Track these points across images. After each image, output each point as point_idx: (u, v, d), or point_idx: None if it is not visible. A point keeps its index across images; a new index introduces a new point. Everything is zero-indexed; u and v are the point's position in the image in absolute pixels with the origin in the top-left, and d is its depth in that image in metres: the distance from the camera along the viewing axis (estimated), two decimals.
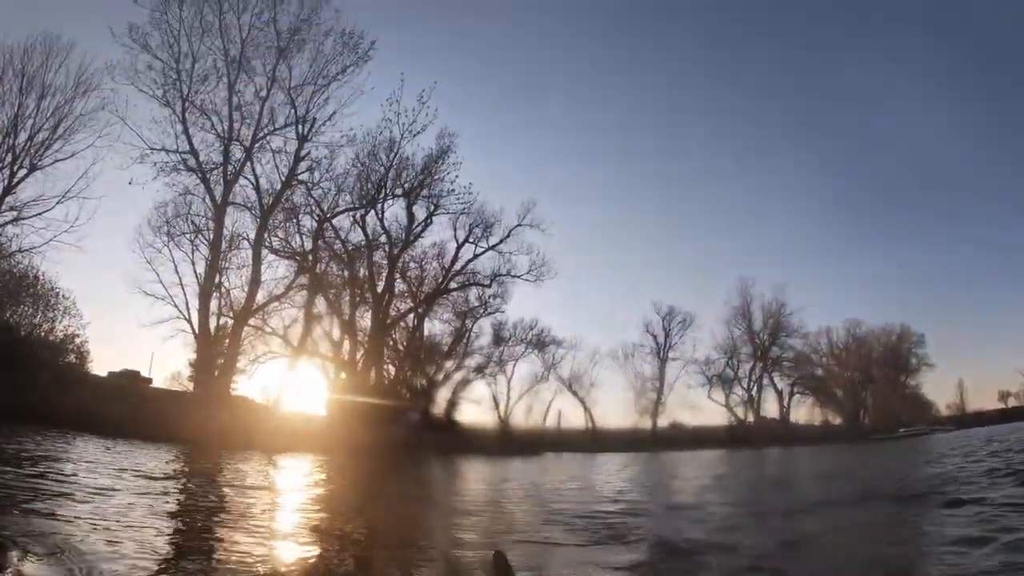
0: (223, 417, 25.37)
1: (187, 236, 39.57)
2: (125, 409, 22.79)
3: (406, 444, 31.20)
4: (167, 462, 14.50)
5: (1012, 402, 65.17)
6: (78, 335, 30.82)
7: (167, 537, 5.93)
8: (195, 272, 41.67)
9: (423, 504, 11.89)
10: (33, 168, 28.35)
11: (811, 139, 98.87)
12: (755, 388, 61.15)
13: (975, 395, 68.55)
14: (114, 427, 20.18)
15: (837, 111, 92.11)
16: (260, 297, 34.50)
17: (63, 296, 30.30)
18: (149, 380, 44.00)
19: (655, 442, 57.62)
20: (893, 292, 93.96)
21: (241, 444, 23.19)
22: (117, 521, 6.36)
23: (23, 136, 28.32)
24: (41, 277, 29.52)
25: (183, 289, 41.66)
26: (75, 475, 9.84)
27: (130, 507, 7.38)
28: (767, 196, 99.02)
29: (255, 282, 33.09)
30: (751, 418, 60.05)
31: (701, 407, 62.78)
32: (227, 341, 33.40)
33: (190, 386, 43.92)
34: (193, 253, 40.68)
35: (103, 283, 77.17)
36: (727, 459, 27.88)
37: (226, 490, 11.49)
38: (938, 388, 79.67)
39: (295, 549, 6.39)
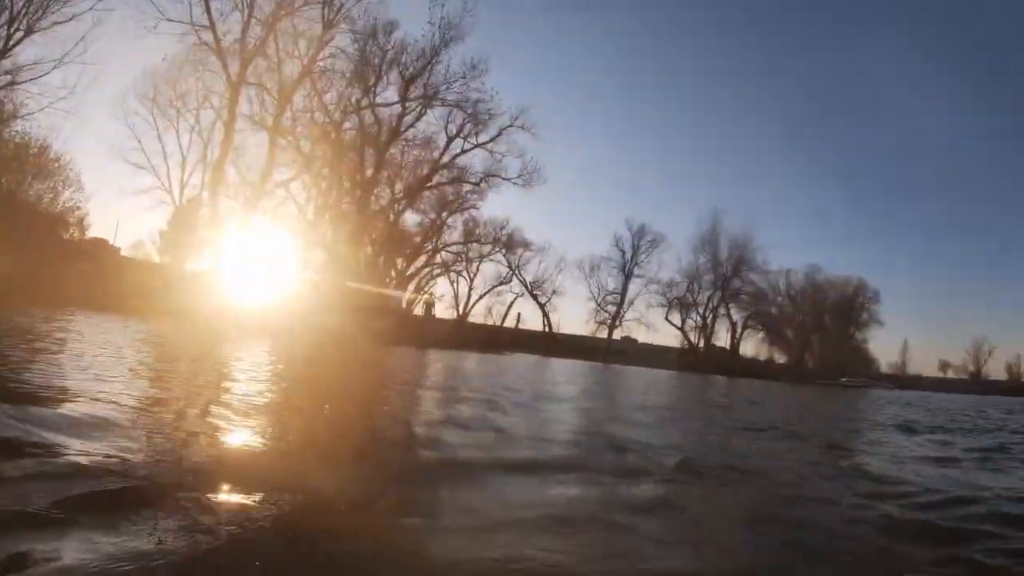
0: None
1: (176, 108, 37.01)
2: (128, 287, 22.53)
3: (388, 335, 32.01)
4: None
5: (951, 373, 70.45)
6: (79, 207, 30.27)
7: None
8: (179, 144, 39.52)
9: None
10: (30, 30, 25.83)
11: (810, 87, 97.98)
12: (711, 316, 64.59)
13: (916, 359, 72.24)
14: (126, 305, 20.12)
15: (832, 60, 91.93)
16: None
17: (68, 168, 29.32)
18: (117, 249, 43.06)
19: (608, 353, 61.01)
20: (857, 245, 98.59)
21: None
22: None
23: None
24: (48, 147, 28.15)
25: (166, 160, 39.78)
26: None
27: None
28: (755, 133, 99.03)
29: (270, 164, 32.47)
30: (702, 344, 64.16)
31: (657, 327, 66.09)
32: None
33: (154, 255, 43.24)
34: (178, 123, 38.20)
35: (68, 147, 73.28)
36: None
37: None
38: (882, 346, 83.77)
39: None
